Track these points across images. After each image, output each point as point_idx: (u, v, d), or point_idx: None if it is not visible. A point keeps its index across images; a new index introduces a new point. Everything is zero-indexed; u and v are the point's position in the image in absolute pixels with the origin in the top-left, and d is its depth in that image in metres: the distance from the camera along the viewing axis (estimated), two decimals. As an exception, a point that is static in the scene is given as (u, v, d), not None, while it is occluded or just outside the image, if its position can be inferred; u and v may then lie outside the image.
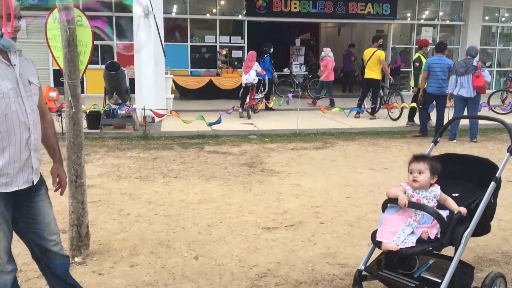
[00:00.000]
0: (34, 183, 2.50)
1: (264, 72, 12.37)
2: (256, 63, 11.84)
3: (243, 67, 12.38)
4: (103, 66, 9.41)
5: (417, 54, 10.23)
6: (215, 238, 4.22)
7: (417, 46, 10.58)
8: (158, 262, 3.71)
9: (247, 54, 12.59)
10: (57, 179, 2.71)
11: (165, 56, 10.83)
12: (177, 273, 3.54)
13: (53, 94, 10.60)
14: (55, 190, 2.72)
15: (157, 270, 3.58)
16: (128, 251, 3.90)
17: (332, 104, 12.76)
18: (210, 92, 14.86)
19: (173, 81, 13.40)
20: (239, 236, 4.27)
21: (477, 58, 8.93)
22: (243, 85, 11.77)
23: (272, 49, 13.23)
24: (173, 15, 15.92)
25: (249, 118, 11.35)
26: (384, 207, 2.85)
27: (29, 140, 2.42)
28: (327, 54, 13.06)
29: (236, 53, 16.49)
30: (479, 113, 9.34)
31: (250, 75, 11.60)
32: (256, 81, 11.77)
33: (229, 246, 4.05)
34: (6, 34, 2.30)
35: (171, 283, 3.38)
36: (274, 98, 12.39)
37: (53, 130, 2.73)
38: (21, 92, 2.39)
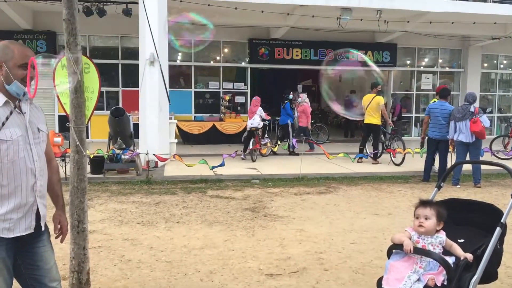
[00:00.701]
0: (42, 229, 2.50)
1: (269, 117, 12.91)
2: (260, 108, 12.21)
3: (248, 112, 12.76)
4: (108, 112, 9.55)
5: (434, 100, 10.34)
6: (217, 285, 4.14)
7: (435, 93, 10.76)
8: (159, 310, 3.63)
9: (251, 99, 12.93)
10: (59, 226, 2.70)
11: (169, 102, 11.01)
12: (178, 321, 3.45)
13: (58, 139, 10.67)
14: (56, 237, 2.71)
15: (158, 319, 3.49)
16: (129, 299, 3.83)
17: (312, 148, 13.07)
18: (213, 137, 14.98)
19: (177, 126, 13.54)
20: (242, 283, 4.19)
21: (475, 104, 9.04)
22: (248, 129, 12.09)
23: (291, 95, 13.53)
24: (178, 62, 16.29)
25: (253, 161, 11.49)
26: (389, 253, 2.82)
27: (35, 187, 2.44)
28: (304, 100, 13.26)
29: (239, 99, 16.74)
30: (481, 159, 9.36)
31: (255, 120, 12.02)
32: (260, 126, 12.15)
33: (231, 293, 3.97)
34: (30, 95, 2.38)
35: (172, 332, 3.29)
36: (279, 142, 12.49)
37: (58, 177, 2.75)
38: (30, 139, 2.43)
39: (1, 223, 2.33)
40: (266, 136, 12.85)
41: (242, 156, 11.59)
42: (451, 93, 10.90)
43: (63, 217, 2.72)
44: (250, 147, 11.68)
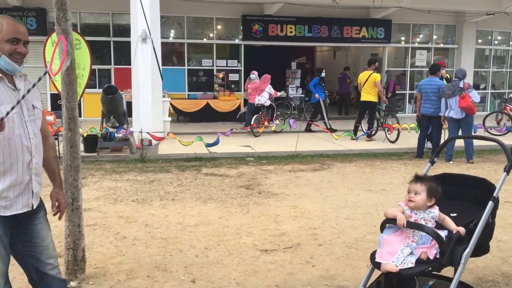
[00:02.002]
0: (34, 207, 2.49)
1: (278, 94, 13.44)
2: (269, 86, 12.56)
3: (246, 88, 13.27)
4: (101, 90, 9.46)
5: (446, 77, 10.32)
6: (212, 261, 4.18)
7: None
8: (155, 286, 3.66)
9: (246, 78, 13.22)
10: (57, 203, 2.69)
11: (162, 80, 10.92)
12: (174, 296, 3.49)
13: (51, 117, 10.58)
14: (54, 214, 2.70)
15: (154, 294, 3.53)
16: (125, 275, 3.85)
17: (247, 125, 12.95)
18: (207, 115, 14.93)
19: (171, 104, 13.47)
20: (237, 259, 4.23)
21: (466, 80, 9.04)
22: (256, 105, 12.65)
23: (323, 73, 13.44)
24: (171, 39, 16.10)
25: (256, 136, 11.83)
26: (382, 228, 2.84)
27: (30, 164, 2.42)
28: (256, 76, 13.22)
29: (233, 76, 16.64)
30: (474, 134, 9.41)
31: (263, 97, 12.51)
32: (267, 104, 12.63)
33: (226, 269, 4.01)
34: (52, 73, 2.32)
35: (168, 307, 3.33)
36: (277, 121, 12.47)
37: (54, 154, 2.73)
38: (25, 117, 2.40)
39: None
40: (277, 114, 13.19)
41: (248, 130, 11.87)
42: (445, 69, 10.84)
43: (60, 194, 2.71)
44: (252, 122, 11.93)
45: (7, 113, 2.21)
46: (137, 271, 3.94)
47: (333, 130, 12.00)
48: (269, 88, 12.58)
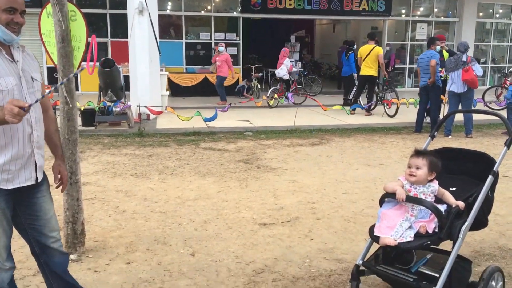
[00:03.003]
0: (38, 180, 2.48)
1: (293, 70, 13.60)
2: (287, 59, 12.97)
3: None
4: (98, 64, 9.34)
5: (444, 52, 10.18)
6: (211, 234, 4.20)
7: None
8: (154, 259, 3.69)
9: (281, 50, 13.47)
10: (59, 176, 2.67)
11: (159, 53, 10.79)
12: (173, 269, 3.51)
13: (47, 91, 10.51)
14: (56, 187, 2.69)
15: (153, 267, 3.55)
16: (124, 248, 3.88)
17: (223, 99, 12.95)
18: (205, 89, 14.81)
19: (168, 78, 13.34)
20: (235, 233, 4.25)
21: (468, 53, 8.96)
22: (276, 77, 13.59)
23: (355, 46, 13.31)
24: (168, 12, 15.85)
25: (272, 107, 12.17)
26: (381, 202, 2.84)
27: (31, 137, 2.39)
28: (225, 49, 13.16)
29: (231, 50, 16.42)
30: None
31: (282, 70, 12.97)
32: (286, 77, 13.09)
33: (225, 242, 4.03)
34: (89, 71, 2.27)
35: (168, 280, 3.35)
36: (275, 96, 12.40)
37: (55, 126, 2.70)
38: (24, 89, 2.36)
39: (0, 175, 2.30)
40: (297, 88, 13.44)
41: (267, 98, 12.08)
42: (446, 43, 10.72)
43: (62, 166, 2.70)
44: (268, 94, 12.53)
45: (30, 105, 2.18)
46: (136, 244, 3.96)
47: (368, 112, 11.70)
48: (287, 61, 12.99)
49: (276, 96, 12.59)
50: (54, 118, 2.73)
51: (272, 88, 13.05)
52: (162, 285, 3.28)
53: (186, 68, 16.01)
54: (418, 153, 2.80)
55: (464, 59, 8.73)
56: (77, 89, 13.79)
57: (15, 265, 2.54)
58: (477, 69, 8.80)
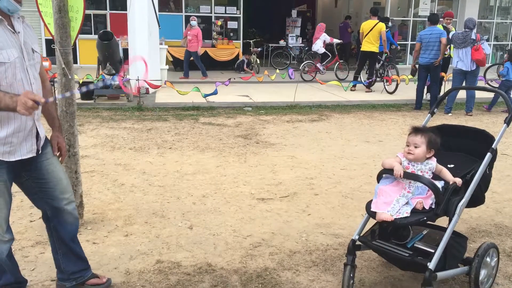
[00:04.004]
0: (39, 152, 2.48)
1: (334, 41, 13.76)
2: (324, 34, 13.12)
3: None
4: (96, 36, 9.24)
5: (439, 26, 10.05)
6: (209, 208, 4.23)
7: (442, 19, 10.40)
8: (152, 232, 3.71)
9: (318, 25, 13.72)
10: (57, 147, 2.67)
11: (159, 26, 10.66)
12: (171, 242, 3.54)
13: (46, 63, 10.42)
14: None
15: (151, 240, 3.58)
16: (123, 221, 3.90)
17: (204, 75, 12.79)
18: (205, 63, 14.66)
19: (167, 52, 13.21)
20: (233, 207, 4.28)
21: (475, 31, 8.86)
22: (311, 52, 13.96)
23: (390, 23, 13.22)
24: (168, -16, 15.59)
25: (304, 81, 12.52)
26: (379, 178, 2.84)
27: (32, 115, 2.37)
28: (197, 23, 12.90)
29: (232, 24, 16.23)
30: (475, 87, 9.32)
31: (316, 45, 13.23)
32: (320, 52, 13.28)
33: (223, 216, 4.06)
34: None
35: (166, 252, 3.39)
36: (277, 71, 12.28)
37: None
38: (25, 61, 2.34)
39: (2, 147, 2.30)
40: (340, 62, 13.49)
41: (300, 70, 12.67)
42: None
43: (60, 138, 2.70)
44: (300, 68, 12.91)
45: (46, 101, 2.20)
46: (135, 217, 3.98)
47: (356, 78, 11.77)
48: (324, 36, 13.12)
49: (313, 71, 13.08)
50: (51, 89, 2.72)
51: (305, 62, 13.22)
52: (160, 257, 3.31)
53: (185, 42, 15.82)
54: (416, 130, 2.77)
55: (473, 36, 8.62)
56: (75, 62, 13.70)
57: (14, 237, 2.56)
58: (486, 47, 8.76)
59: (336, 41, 13.96)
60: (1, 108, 2.17)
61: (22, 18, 2.40)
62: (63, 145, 2.71)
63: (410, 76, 10.18)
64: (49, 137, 2.66)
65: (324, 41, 13.20)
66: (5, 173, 2.34)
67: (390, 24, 13.00)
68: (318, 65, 13.22)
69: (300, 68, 12.97)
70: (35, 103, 2.11)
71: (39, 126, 2.45)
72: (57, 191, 2.57)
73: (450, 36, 9.12)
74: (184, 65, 13.02)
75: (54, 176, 2.56)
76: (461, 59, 8.75)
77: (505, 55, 10.10)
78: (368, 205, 2.77)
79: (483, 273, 2.86)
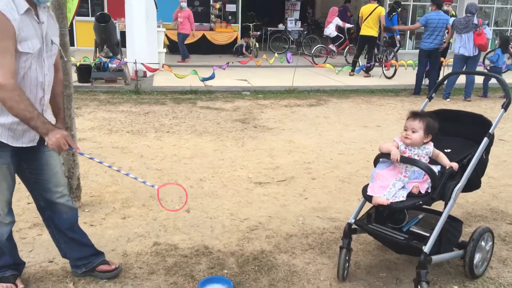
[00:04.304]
0: (39, 142, 2.46)
1: (346, 25, 13.79)
2: (336, 18, 13.16)
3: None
4: (93, 18, 9.16)
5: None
6: (207, 192, 4.24)
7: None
8: (149, 215, 3.73)
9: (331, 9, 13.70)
10: None
11: (157, 9, 10.55)
12: (168, 225, 3.56)
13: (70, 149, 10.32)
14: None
15: (148, 222, 3.60)
16: (120, 204, 3.91)
17: (184, 58, 12.66)
18: (203, 47, 14.60)
19: (165, 35, 13.11)
20: (231, 191, 4.29)
21: (476, 16, 8.81)
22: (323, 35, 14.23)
23: (400, 8, 13.09)
24: (165, -34, 15.37)
25: (315, 64, 12.05)
26: (376, 162, 2.84)
27: (42, 100, 2.39)
28: (186, 5, 12.78)
29: (230, 7, 16.09)
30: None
31: (328, 28, 13.37)
32: (332, 35, 13.44)
33: (220, 200, 4.07)
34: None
35: (163, 235, 3.40)
36: (276, 55, 12.22)
37: (61, 89, 2.68)
38: (43, 52, 2.33)
39: (7, 131, 2.29)
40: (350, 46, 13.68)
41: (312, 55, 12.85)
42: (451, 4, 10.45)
43: (63, 130, 2.67)
44: (312, 52, 13.23)
45: (78, 151, 2.37)
46: (132, 200, 3.99)
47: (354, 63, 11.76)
48: (336, 20, 13.17)
49: (325, 54, 13.35)
50: (62, 80, 2.71)
51: (317, 46, 13.37)
52: (157, 239, 3.33)
53: (183, 25, 15.68)
54: (415, 115, 2.77)
55: (475, 21, 8.58)
56: (72, 45, 13.56)
57: (15, 219, 2.56)
58: (488, 32, 8.76)
59: (348, 25, 13.96)
60: (29, 124, 2.23)
61: (48, 8, 2.39)
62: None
63: (410, 61, 10.14)
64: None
65: (337, 25, 13.25)
66: (9, 157, 2.35)
67: (399, 9, 12.88)
68: (331, 46, 13.32)
69: (312, 52, 13.08)
70: (69, 147, 2.28)
71: (47, 115, 2.45)
72: (51, 184, 2.57)
73: (451, 21, 9.07)
74: (180, 48, 12.89)
75: (51, 169, 2.55)
76: (463, 45, 8.71)
77: (496, 42, 10.10)
78: (365, 189, 2.78)
79: (477, 257, 2.88)
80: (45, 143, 2.36)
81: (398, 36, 12.24)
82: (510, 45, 9.68)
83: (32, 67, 2.26)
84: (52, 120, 2.51)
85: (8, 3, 2.12)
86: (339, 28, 13.63)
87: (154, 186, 2.61)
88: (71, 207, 2.71)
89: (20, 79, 2.23)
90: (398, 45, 12.28)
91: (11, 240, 2.63)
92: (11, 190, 2.45)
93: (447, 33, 9.26)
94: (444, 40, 9.21)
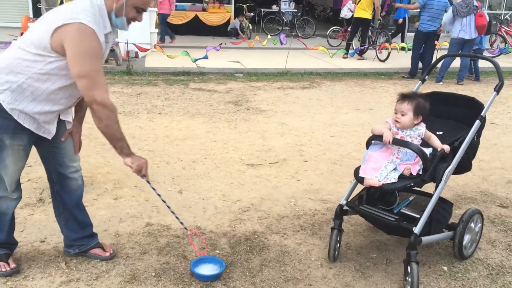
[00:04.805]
0: (53, 135, 2.51)
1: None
2: (350, 1, 12.96)
3: None
4: None
5: None
6: (199, 173, 4.24)
7: None
8: (142, 196, 3.73)
9: None
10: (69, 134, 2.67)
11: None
12: (161, 206, 3.56)
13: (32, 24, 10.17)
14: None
15: (141, 203, 3.60)
16: (112, 184, 3.91)
17: (162, 40, 12.43)
18: (196, 28, 14.44)
19: (157, 15, 12.93)
20: (223, 172, 4.29)
21: None
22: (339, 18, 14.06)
23: None
24: None
25: (330, 45, 12.68)
26: (368, 144, 2.85)
27: (71, 105, 2.51)
28: None
29: (223, -12, 15.86)
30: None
31: (344, 10, 13.34)
32: (348, 17, 13.14)
33: (213, 181, 4.08)
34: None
35: (155, 216, 3.41)
36: (269, 36, 12.12)
37: None
38: None
39: (30, 119, 2.34)
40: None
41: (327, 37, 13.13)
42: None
43: (79, 128, 2.71)
44: (327, 33, 13.40)
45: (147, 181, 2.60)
46: (124, 181, 3.99)
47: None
48: (349, 4, 13.07)
49: (340, 37, 13.39)
50: None
51: (332, 28, 13.30)
52: (150, 220, 3.34)
53: (176, 5, 15.47)
54: (403, 97, 2.75)
55: (475, 3, 8.57)
56: (63, 24, 13.31)
57: (22, 195, 2.62)
58: (486, 14, 8.74)
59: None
60: (116, 144, 2.45)
61: (115, 31, 2.50)
62: (79, 135, 2.73)
63: (402, 44, 10.11)
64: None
65: (349, 8, 13.13)
66: (26, 139, 2.40)
67: None
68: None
69: (328, 33, 13.07)
70: (142, 175, 2.53)
71: (66, 115, 2.54)
72: (67, 158, 2.62)
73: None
74: (161, 29, 12.52)
75: (68, 145, 2.61)
76: (463, 28, 8.67)
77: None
78: (357, 171, 2.79)
79: (467, 238, 2.92)
80: (124, 162, 2.55)
81: (407, 17, 12.20)
82: (497, 28, 9.71)
83: None
84: (71, 119, 2.61)
85: (98, 22, 2.25)
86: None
87: (187, 231, 2.79)
88: (79, 184, 2.75)
89: (71, 88, 2.34)
90: (407, 27, 12.23)
91: (13, 218, 2.65)
92: (21, 170, 2.50)
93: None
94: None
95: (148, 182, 2.62)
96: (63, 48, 2.20)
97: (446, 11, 9.02)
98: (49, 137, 2.48)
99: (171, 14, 12.54)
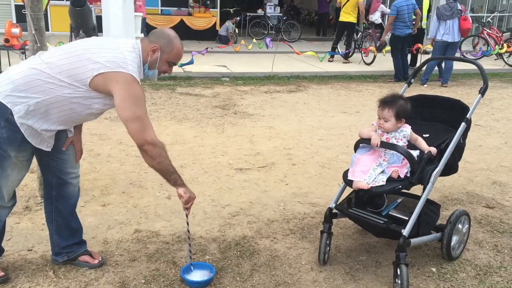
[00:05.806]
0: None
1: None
2: (382, 5, 12.79)
3: None
4: (69, 2, 8.94)
5: None
6: (188, 178, 4.22)
7: None
8: (130, 202, 3.70)
9: None
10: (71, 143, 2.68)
11: (134, -7, 10.35)
12: (149, 212, 3.54)
13: (16, 30, 10.01)
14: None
15: (129, 209, 3.57)
16: (99, 191, 3.87)
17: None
18: (181, 32, 14.28)
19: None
20: (212, 177, 4.28)
21: (458, 1, 8.93)
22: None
23: None
24: (142, -51, 15.05)
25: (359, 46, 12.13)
26: (356, 147, 2.87)
27: (77, 125, 2.60)
28: None
29: (210, -9, 15.87)
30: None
31: (374, 15, 12.93)
32: (377, 22, 12.92)
33: (202, 186, 4.06)
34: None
35: (144, 222, 3.39)
36: (254, 40, 12.13)
37: None
38: None
39: (34, 133, 2.36)
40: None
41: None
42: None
43: (78, 136, 2.73)
44: (357, 37, 12.48)
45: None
46: (112, 187, 3.96)
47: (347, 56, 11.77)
48: (381, 8, 12.85)
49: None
50: None
51: (363, 33, 12.58)
52: (138, 226, 3.31)
53: (161, 10, 15.45)
54: (384, 103, 2.75)
55: (459, 7, 8.70)
56: (47, 29, 13.20)
57: (16, 201, 2.62)
58: (469, 17, 8.91)
59: (384, 10, 13.80)
60: (169, 177, 2.52)
61: None
62: (79, 144, 2.75)
63: (387, 48, 10.22)
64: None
65: (382, 12, 12.95)
66: (30, 151, 2.43)
67: None
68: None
69: (357, 37, 12.60)
70: (185, 208, 2.63)
71: (69, 130, 2.59)
72: (68, 165, 2.64)
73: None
74: (142, 27, 12.29)
75: (70, 153, 2.64)
76: (446, 31, 8.78)
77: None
78: (345, 174, 2.81)
79: (454, 239, 2.96)
80: (177, 192, 2.60)
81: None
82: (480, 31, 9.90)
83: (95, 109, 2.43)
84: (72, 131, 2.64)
85: (138, 69, 2.40)
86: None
87: (189, 261, 2.78)
88: (77, 191, 2.76)
89: (82, 114, 2.41)
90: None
91: (5, 226, 2.64)
92: (21, 180, 2.51)
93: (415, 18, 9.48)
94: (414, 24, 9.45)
95: (187, 216, 2.70)
96: (106, 90, 2.31)
97: (415, 13, 9.20)
98: (49, 150, 2.50)
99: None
